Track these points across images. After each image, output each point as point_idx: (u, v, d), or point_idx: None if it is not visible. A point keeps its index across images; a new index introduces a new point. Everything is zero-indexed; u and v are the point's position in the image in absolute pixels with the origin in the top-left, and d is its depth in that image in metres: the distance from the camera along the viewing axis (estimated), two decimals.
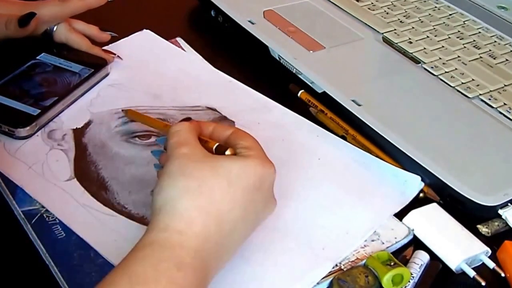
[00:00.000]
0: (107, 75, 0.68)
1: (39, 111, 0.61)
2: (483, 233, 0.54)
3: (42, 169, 0.56)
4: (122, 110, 0.63)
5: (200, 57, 0.73)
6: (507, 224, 0.55)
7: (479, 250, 0.51)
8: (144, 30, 0.76)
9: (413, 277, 0.49)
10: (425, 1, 0.82)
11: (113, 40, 0.72)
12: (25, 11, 0.65)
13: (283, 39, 0.72)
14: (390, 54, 0.72)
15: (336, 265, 0.50)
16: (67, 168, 0.57)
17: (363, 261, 0.50)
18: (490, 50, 0.73)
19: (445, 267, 0.51)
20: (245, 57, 0.74)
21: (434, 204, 0.55)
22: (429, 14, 0.79)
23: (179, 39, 0.75)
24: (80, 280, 0.47)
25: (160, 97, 0.66)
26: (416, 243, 0.53)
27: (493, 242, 0.53)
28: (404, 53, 0.72)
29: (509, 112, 0.64)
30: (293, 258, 0.50)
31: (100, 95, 0.66)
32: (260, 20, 0.75)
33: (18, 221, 0.52)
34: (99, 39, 0.71)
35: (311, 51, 0.70)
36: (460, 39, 0.75)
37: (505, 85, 0.68)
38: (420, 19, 0.78)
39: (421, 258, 0.51)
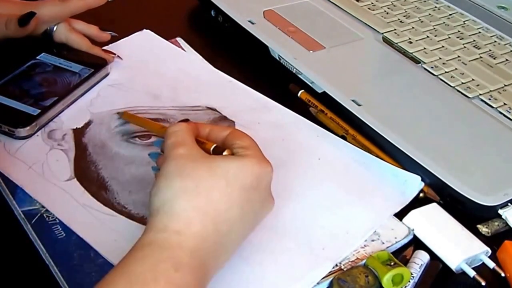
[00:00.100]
0: (107, 75, 0.68)
1: (39, 111, 0.61)
2: (483, 233, 0.54)
3: (42, 169, 0.56)
4: (118, 113, 0.63)
5: (200, 57, 0.73)
6: (507, 224, 0.55)
7: (479, 250, 0.51)
8: (144, 30, 0.76)
9: (413, 277, 0.49)
10: (425, 1, 0.82)
11: (113, 40, 0.72)
12: (25, 11, 0.65)
13: (283, 39, 0.72)
14: (390, 54, 0.72)
15: (336, 265, 0.50)
16: (67, 168, 0.57)
17: (363, 261, 0.50)
18: (490, 50, 0.73)
19: (445, 267, 0.51)
20: (245, 57, 0.74)
21: (434, 204, 0.55)
22: (429, 14, 0.79)
23: (179, 39, 0.75)
24: (80, 280, 0.47)
25: (160, 97, 0.66)
26: (416, 243, 0.53)
27: (493, 242, 0.53)
28: (404, 53, 0.72)
29: (509, 112, 0.64)
30: (293, 258, 0.50)
31: (100, 95, 0.66)
32: (260, 20, 0.75)
33: (18, 221, 0.52)
34: (99, 39, 0.71)
35: (311, 51, 0.70)
36: (460, 39, 0.75)
37: (505, 85, 0.68)
38: (420, 19, 0.78)
39: (421, 258, 0.51)
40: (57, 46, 0.69)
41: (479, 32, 0.77)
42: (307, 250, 0.51)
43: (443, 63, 0.70)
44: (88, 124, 0.62)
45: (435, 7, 0.81)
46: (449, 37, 0.75)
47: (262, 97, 0.67)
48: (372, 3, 0.81)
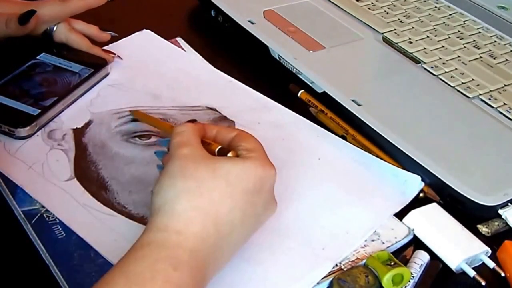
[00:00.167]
0: (107, 75, 0.68)
1: (39, 111, 0.61)
2: (483, 233, 0.54)
3: (42, 169, 0.56)
4: (130, 111, 0.63)
5: (200, 57, 0.73)
6: (507, 224, 0.55)
7: (479, 250, 0.51)
8: (144, 30, 0.76)
9: (413, 277, 0.49)
10: (425, 1, 0.82)
11: (113, 40, 0.72)
12: (25, 10, 0.65)
13: (283, 39, 0.72)
14: (390, 54, 0.72)
15: (336, 265, 0.50)
16: (67, 168, 0.57)
17: (363, 261, 0.50)
18: (490, 50, 0.73)
19: (445, 267, 0.51)
20: (245, 57, 0.74)
21: (434, 204, 0.55)
22: (429, 14, 0.79)
23: (179, 39, 0.75)
24: (80, 280, 0.47)
25: (160, 97, 0.66)
26: (416, 243, 0.53)
27: (493, 242, 0.53)
28: (404, 53, 0.72)
29: (509, 112, 0.64)
30: (293, 258, 0.50)
31: (100, 95, 0.66)
32: (260, 20, 0.75)
33: (18, 221, 0.52)
34: (99, 39, 0.70)
35: (311, 51, 0.70)
36: (460, 39, 0.75)
37: (505, 85, 0.68)
38: (420, 19, 0.78)
39: (421, 258, 0.51)
40: (57, 46, 0.69)
41: (479, 32, 0.77)
42: (307, 250, 0.51)
43: (443, 63, 0.70)
44: (88, 124, 0.62)
45: (435, 7, 0.81)
46: (449, 37, 0.75)
47: (262, 97, 0.67)
48: (372, 3, 0.81)
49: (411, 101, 0.65)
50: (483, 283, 0.50)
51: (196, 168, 0.46)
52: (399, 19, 0.78)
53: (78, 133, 0.61)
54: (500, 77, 0.69)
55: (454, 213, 0.54)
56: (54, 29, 0.69)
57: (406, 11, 0.79)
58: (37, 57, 0.67)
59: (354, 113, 0.61)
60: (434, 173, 0.56)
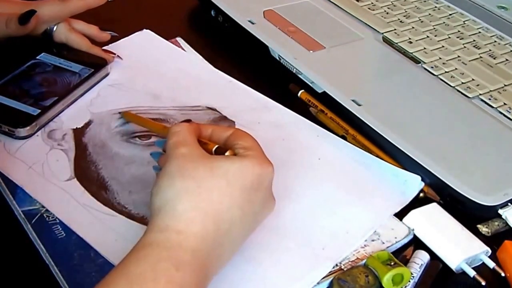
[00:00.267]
0: (107, 75, 0.68)
1: (39, 111, 0.61)
2: (483, 232, 0.54)
3: (42, 169, 0.56)
4: (119, 112, 0.63)
5: (200, 57, 0.73)
6: (507, 224, 0.55)
7: (479, 250, 0.51)
8: (144, 30, 0.76)
9: (413, 276, 0.49)
10: (425, 1, 0.82)
11: (113, 40, 0.72)
12: (25, 10, 0.65)
13: (283, 39, 0.72)
14: (390, 54, 0.72)
15: (336, 265, 0.50)
16: (67, 168, 0.57)
17: (363, 261, 0.50)
18: (490, 50, 0.73)
19: (445, 266, 0.51)
20: (245, 57, 0.74)
21: (434, 204, 0.55)
22: (429, 14, 0.79)
23: (179, 39, 0.75)
24: (80, 280, 0.47)
25: (160, 97, 0.66)
26: (416, 243, 0.53)
27: (493, 241, 0.53)
28: (404, 53, 0.72)
29: (509, 112, 0.64)
30: (293, 258, 0.50)
31: (100, 95, 0.66)
32: (260, 20, 0.75)
33: (18, 221, 0.52)
34: (99, 39, 0.70)
35: (311, 51, 0.70)
36: (460, 39, 0.75)
37: (505, 85, 0.68)
38: (420, 19, 0.78)
39: (421, 257, 0.51)
40: (57, 46, 0.69)
41: (479, 32, 0.77)
42: (307, 250, 0.51)
43: (443, 63, 0.70)
44: (88, 124, 0.62)
45: (435, 7, 0.81)
46: (449, 37, 0.75)
47: (262, 97, 0.67)
48: (372, 3, 0.81)
49: (411, 101, 0.65)
50: (483, 283, 0.50)
51: (194, 168, 0.46)
52: (399, 19, 0.78)
53: (78, 133, 0.61)
54: (500, 77, 0.69)
55: (454, 213, 0.54)
56: (54, 29, 0.69)
57: (406, 11, 0.79)
58: (37, 57, 0.67)
59: (354, 113, 0.61)
60: (434, 173, 0.56)
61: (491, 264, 0.51)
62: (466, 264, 0.51)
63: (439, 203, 0.55)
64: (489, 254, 0.52)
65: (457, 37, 0.75)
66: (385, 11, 0.79)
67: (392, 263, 0.49)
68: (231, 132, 0.51)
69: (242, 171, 0.46)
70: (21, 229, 0.52)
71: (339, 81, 0.66)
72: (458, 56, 0.72)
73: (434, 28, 0.76)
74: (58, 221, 0.52)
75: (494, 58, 0.72)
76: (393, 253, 0.51)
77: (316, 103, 0.65)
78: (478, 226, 0.54)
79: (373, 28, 0.76)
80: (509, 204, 0.55)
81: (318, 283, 0.49)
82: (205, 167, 0.46)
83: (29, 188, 0.54)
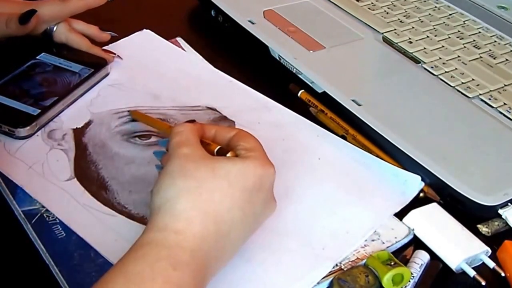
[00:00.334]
0: (107, 75, 0.68)
1: (39, 111, 0.61)
2: (483, 232, 0.54)
3: (42, 169, 0.56)
4: (129, 111, 0.63)
5: (200, 57, 0.73)
6: (507, 224, 0.55)
7: (479, 250, 0.51)
8: (144, 30, 0.76)
9: (413, 276, 0.49)
10: (425, 1, 0.82)
11: (113, 40, 0.72)
12: (26, 9, 0.65)
13: (283, 39, 0.72)
14: (390, 54, 0.72)
15: (337, 264, 0.50)
16: (67, 168, 0.57)
17: (364, 261, 0.50)
18: (490, 50, 0.73)
19: (445, 266, 0.51)
20: (245, 57, 0.74)
21: (434, 204, 0.55)
22: (429, 14, 0.79)
23: (179, 39, 0.75)
24: (80, 280, 0.47)
25: (160, 97, 0.66)
26: (416, 243, 0.53)
27: (493, 241, 0.53)
28: (404, 53, 0.72)
29: (509, 112, 0.64)
30: (293, 258, 0.50)
31: (100, 95, 0.66)
32: (260, 20, 0.75)
33: (18, 221, 0.52)
34: (99, 39, 0.71)
35: (311, 51, 0.70)
36: (460, 39, 0.75)
37: (505, 85, 0.68)
38: (420, 19, 0.78)
39: (421, 257, 0.51)
40: (57, 46, 0.69)
41: (479, 32, 0.77)
42: (307, 250, 0.51)
43: (443, 63, 0.70)
44: (88, 124, 0.62)
45: (435, 7, 0.81)
46: (449, 37, 0.75)
47: (262, 97, 0.67)
48: (372, 3, 0.81)
49: (411, 101, 0.65)
50: (483, 283, 0.50)
51: (196, 168, 0.46)
52: (399, 19, 0.78)
53: (78, 133, 0.61)
54: (500, 77, 0.69)
55: (454, 213, 0.54)
56: (54, 29, 0.69)
57: (406, 11, 0.79)
58: (37, 57, 0.67)
59: (354, 113, 0.61)
60: (434, 173, 0.56)
61: (491, 264, 0.51)
62: (466, 264, 0.51)
63: (439, 203, 0.55)
64: (489, 254, 0.52)
65: (457, 37, 0.75)
66: (385, 11, 0.79)
67: (392, 263, 0.49)
68: (235, 133, 0.51)
69: (244, 173, 0.46)
70: (21, 229, 0.52)
71: (339, 81, 0.66)
72: (458, 56, 0.72)
73: (434, 28, 0.76)
74: (58, 221, 0.52)
75: (494, 58, 0.72)
76: (393, 253, 0.51)
77: (316, 103, 0.65)
78: (478, 226, 0.54)
79: (373, 28, 0.76)
80: (509, 204, 0.55)
81: (318, 283, 0.49)
82: (207, 168, 0.46)
83: (29, 188, 0.54)
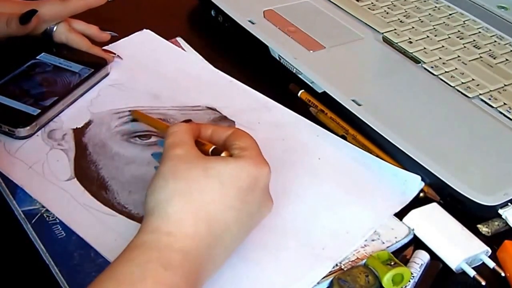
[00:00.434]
0: (107, 75, 0.68)
1: (39, 111, 0.61)
2: (483, 232, 0.54)
3: (42, 169, 0.56)
4: (130, 111, 0.63)
5: (200, 57, 0.73)
6: (507, 224, 0.55)
7: (479, 250, 0.51)
8: (144, 30, 0.76)
9: (413, 276, 0.49)
10: (425, 1, 0.82)
11: (113, 40, 0.72)
12: (26, 9, 0.65)
13: (283, 39, 0.72)
14: (390, 54, 0.72)
15: (337, 264, 0.50)
16: (67, 168, 0.57)
17: (364, 261, 0.50)
18: (490, 50, 0.73)
19: (445, 266, 0.51)
20: (245, 57, 0.74)
21: (434, 204, 0.55)
22: (429, 14, 0.79)
23: (179, 39, 0.75)
24: (80, 280, 0.47)
25: (160, 97, 0.66)
26: (416, 243, 0.53)
27: (493, 241, 0.53)
28: (404, 53, 0.72)
29: (509, 112, 0.64)
30: (293, 257, 0.50)
31: (100, 95, 0.66)
32: (260, 20, 0.75)
33: (18, 221, 0.52)
34: (99, 39, 0.71)
35: (311, 51, 0.70)
36: (460, 39, 0.75)
37: (505, 85, 0.68)
38: (420, 19, 0.78)
39: (421, 257, 0.51)
40: (57, 46, 0.69)
41: (479, 32, 0.77)
42: (307, 249, 0.51)
43: (443, 63, 0.70)
44: (88, 124, 0.62)
45: (435, 7, 0.81)
46: (449, 37, 0.75)
47: (262, 97, 0.67)
48: (372, 3, 0.81)
49: (411, 101, 0.65)
50: (483, 283, 0.50)
51: (187, 169, 0.45)
52: (399, 19, 0.78)
53: (78, 133, 0.61)
54: (500, 77, 0.69)
55: (454, 213, 0.54)
56: (54, 29, 0.69)
57: (406, 11, 0.79)
58: (37, 57, 0.67)
59: (354, 113, 0.61)
60: (434, 173, 0.56)
61: (491, 264, 0.51)
62: (466, 264, 0.51)
63: (439, 203, 0.55)
64: (489, 254, 0.52)
65: (457, 37, 0.75)
66: (385, 11, 0.79)
67: (392, 263, 0.49)
68: (231, 132, 0.50)
69: (237, 172, 0.46)
70: (21, 229, 0.52)
71: (339, 81, 0.66)
72: (458, 56, 0.72)
73: (434, 28, 0.76)
74: (58, 221, 0.52)
75: (494, 58, 0.72)
76: (393, 253, 0.51)
77: (316, 103, 0.65)
78: (478, 226, 0.54)
79: (373, 28, 0.76)
80: (509, 204, 0.55)
81: (318, 283, 0.49)
82: (199, 168, 0.45)
83: (29, 188, 0.54)
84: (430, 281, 0.50)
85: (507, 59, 0.72)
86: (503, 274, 0.51)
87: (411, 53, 0.72)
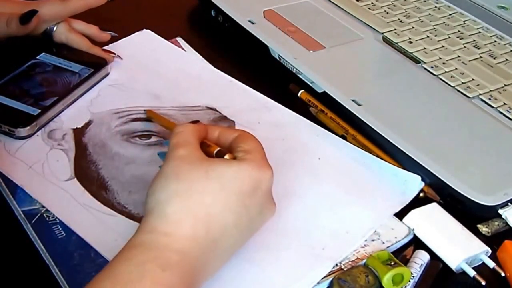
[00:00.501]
0: (107, 75, 0.68)
1: (39, 111, 0.61)
2: (483, 232, 0.54)
3: (42, 169, 0.56)
4: (144, 110, 0.62)
5: (200, 57, 0.73)
6: (507, 224, 0.55)
7: (479, 250, 0.51)
8: (144, 30, 0.76)
9: (413, 276, 0.49)
10: (425, 1, 0.82)
11: (113, 40, 0.72)
12: (26, 9, 0.65)
13: (283, 39, 0.72)
14: (390, 54, 0.72)
15: (337, 264, 0.50)
16: (67, 168, 0.57)
17: (364, 261, 0.50)
18: (490, 50, 0.73)
19: (445, 266, 0.51)
20: (245, 57, 0.74)
21: (434, 204, 0.55)
22: (429, 14, 0.79)
23: (179, 39, 0.75)
24: (80, 280, 0.47)
25: (160, 97, 0.66)
26: (416, 243, 0.53)
27: (493, 241, 0.53)
28: (404, 53, 0.72)
29: (509, 112, 0.64)
30: (293, 257, 0.50)
31: (100, 95, 0.66)
32: (260, 20, 0.75)
33: (18, 221, 0.52)
34: (99, 39, 0.71)
35: (311, 51, 0.70)
36: (460, 39, 0.75)
37: (505, 85, 0.68)
38: (420, 19, 0.78)
39: (421, 257, 0.51)
40: (57, 46, 0.69)
41: (479, 32, 0.77)
42: (307, 249, 0.51)
43: (443, 63, 0.70)
44: (88, 124, 0.62)
45: (435, 7, 0.81)
46: (449, 37, 0.75)
47: (262, 97, 0.67)
48: (372, 3, 0.81)
49: (411, 101, 0.65)
50: (483, 283, 0.50)
51: (189, 170, 0.45)
52: (399, 19, 0.78)
53: (78, 133, 0.61)
54: (500, 77, 0.69)
55: (454, 213, 0.54)
56: (54, 29, 0.69)
57: (406, 11, 0.79)
58: (37, 57, 0.67)
59: (354, 113, 0.61)
60: (434, 173, 0.56)
61: (491, 264, 0.51)
62: (466, 264, 0.51)
63: (439, 203, 0.55)
64: (489, 254, 0.52)
65: (457, 37, 0.75)
66: (385, 11, 0.79)
67: (392, 263, 0.49)
68: (237, 135, 0.50)
69: (239, 175, 0.45)
70: (21, 229, 0.52)
71: (339, 81, 0.66)
72: (458, 56, 0.72)
73: (434, 28, 0.76)
74: (58, 221, 0.52)
75: (494, 58, 0.72)
76: (393, 253, 0.51)
77: (316, 103, 0.65)
78: (478, 226, 0.54)
79: (373, 28, 0.76)
80: (509, 204, 0.55)
81: (318, 283, 0.49)
82: (200, 170, 0.45)
83: (29, 188, 0.54)
84: (430, 281, 0.50)
85: (507, 59, 0.72)
86: (503, 274, 0.51)
87: (411, 53, 0.72)
